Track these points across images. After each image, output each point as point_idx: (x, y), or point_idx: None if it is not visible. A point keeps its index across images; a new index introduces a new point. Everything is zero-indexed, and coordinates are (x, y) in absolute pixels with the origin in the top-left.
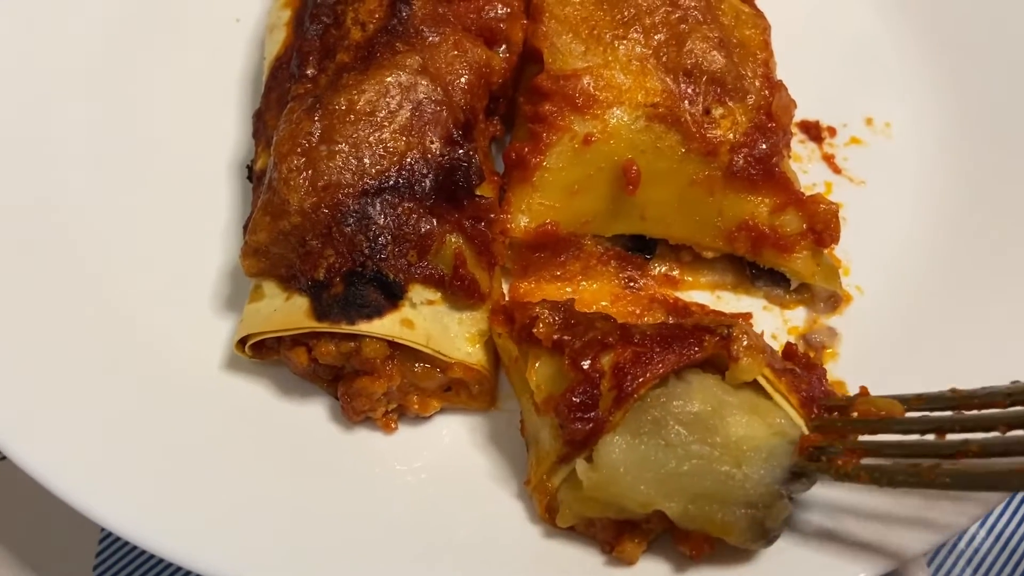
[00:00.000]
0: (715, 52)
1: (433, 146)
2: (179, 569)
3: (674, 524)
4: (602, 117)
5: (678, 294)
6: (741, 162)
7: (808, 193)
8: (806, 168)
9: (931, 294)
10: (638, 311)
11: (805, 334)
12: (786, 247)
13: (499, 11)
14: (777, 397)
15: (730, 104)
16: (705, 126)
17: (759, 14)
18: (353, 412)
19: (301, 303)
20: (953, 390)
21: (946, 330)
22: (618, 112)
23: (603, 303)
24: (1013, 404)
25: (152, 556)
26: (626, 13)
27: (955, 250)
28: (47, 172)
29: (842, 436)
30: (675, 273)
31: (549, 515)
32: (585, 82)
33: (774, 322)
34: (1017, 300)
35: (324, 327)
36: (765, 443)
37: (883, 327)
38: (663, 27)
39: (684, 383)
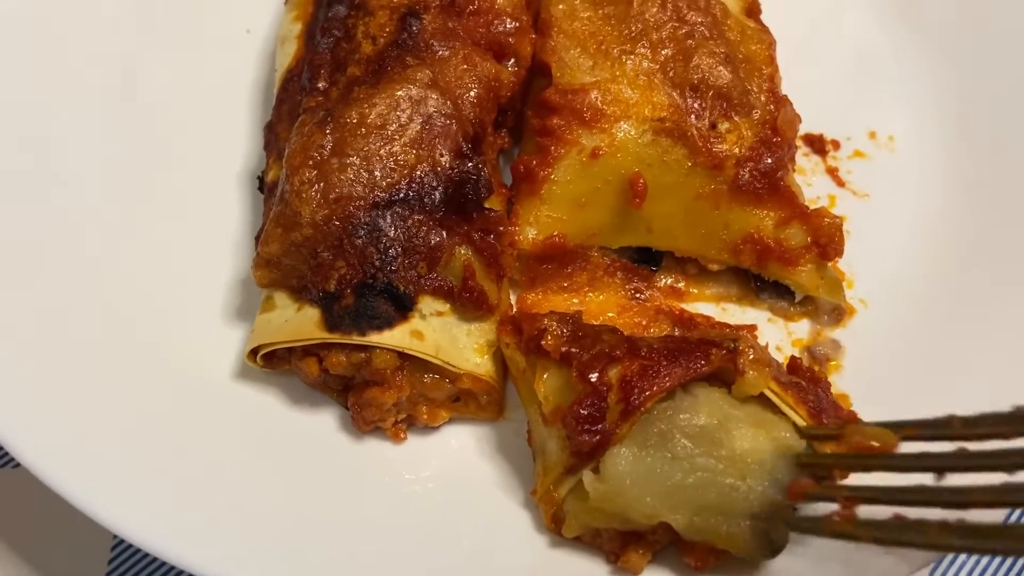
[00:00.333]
0: (721, 67)
1: (443, 159)
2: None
3: (679, 536)
4: (609, 131)
5: (684, 305)
6: (747, 176)
7: (812, 206)
8: (810, 181)
9: (934, 307)
10: (644, 322)
11: (809, 346)
12: (790, 260)
13: (508, 25)
14: (785, 409)
15: (736, 119)
16: (711, 140)
17: (764, 29)
18: (363, 422)
19: (312, 314)
20: (952, 417)
21: (949, 343)
22: (625, 126)
23: (609, 314)
24: (1018, 433)
25: (162, 563)
26: (633, 28)
27: (958, 263)
28: (60, 181)
29: (831, 474)
30: (681, 285)
31: (555, 525)
32: (593, 96)
33: (778, 334)
34: (1020, 312)
35: (335, 338)
36: (770, 456)
37: (886, 340)
38: (670, 42)
39: (690, 396)
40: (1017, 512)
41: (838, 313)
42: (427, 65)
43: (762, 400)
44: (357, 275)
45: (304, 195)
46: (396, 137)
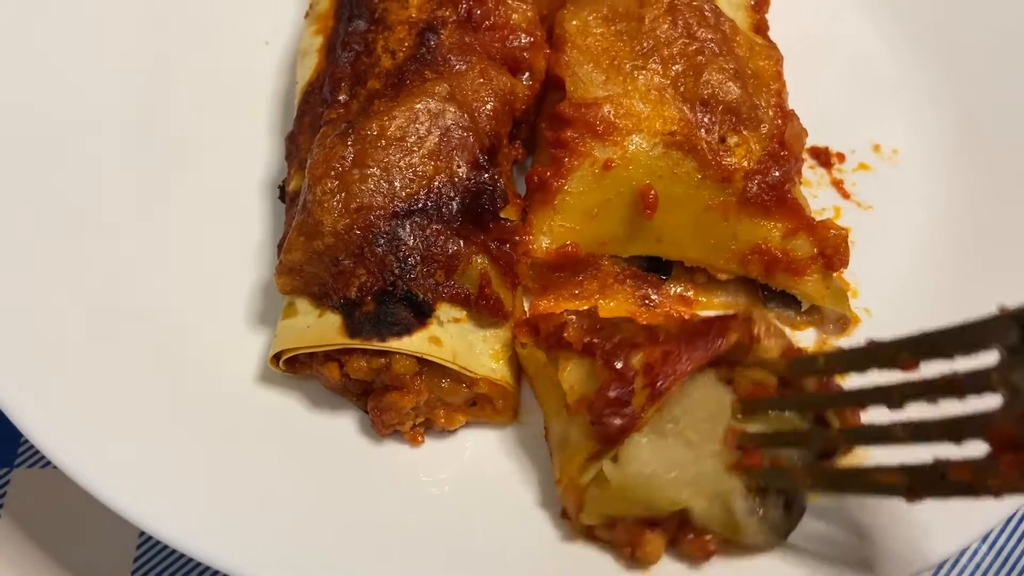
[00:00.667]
0: (731, 83)
1: (460, 170)
2: (215, 574)
3: (689, 526)
4: (622, 144)
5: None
6: (755, 188)
7: (818, 218)
8: (816, 193)
9: (937, 316)
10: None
11: None
12: (797, 270)
13: (523, 40)
14: None
15: (745, 133)
16: (720, 154)
17: (772, 46)
18: (382, 425)
19: (334, 320)
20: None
21: None
22: (637, 139)
23: None
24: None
25: (187, 560)
26: (645, 44)
27: (961, 273)
28: (84, 190)
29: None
30: (689, 294)
31: (574, 513)
32: (605, 110)
33: None
34: None
35: (357, 344)
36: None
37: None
38: (681, 58)
39: (699, 382)
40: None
41: (843, 322)
42: (445, 79)
43: None
44: (377, 283)
45: (326, 205)
46: (415, 149)
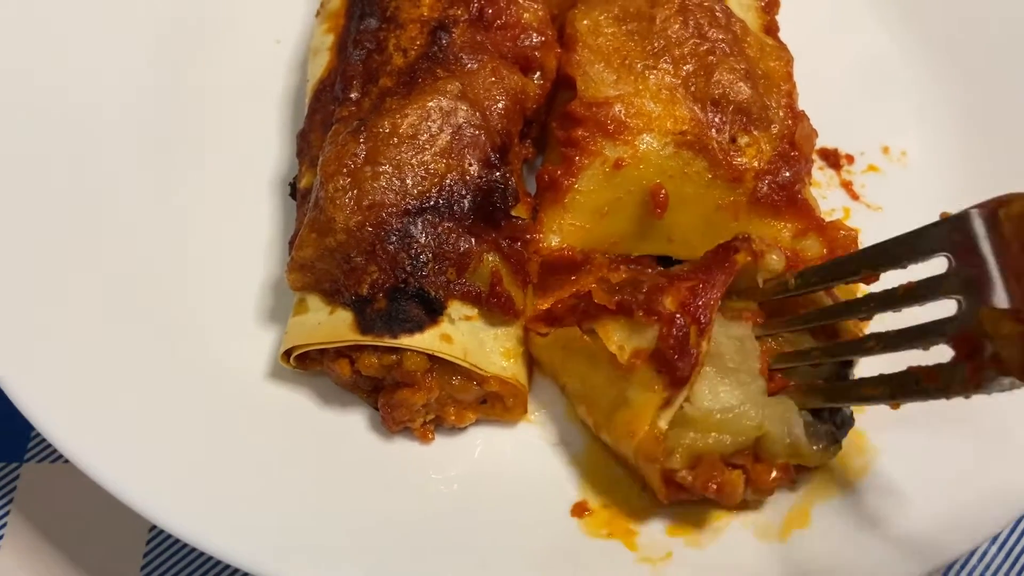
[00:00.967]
0: (741, 83)
1: (472, 168)
2: (224, 568)
3: (759, 459)
4: (632, 143)
5: None
6: (765, 189)
7: (828, 219)
8: (825, 194)
9: None
10: None
11: None
12: None
13: (534, 40)
14: None
15: (755, 133)
16: (731, 154)
17: (783, 47)
18: (393, 422)
19: (345, 317)
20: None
21: None
22: (648, 139)
23: None
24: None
25: (196, 553)
26: (656, 44)
27: None
28: (98, 187)
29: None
30: None
31: (662, 460)
32: (616, 109)
33: None
34: None
35: (368, 340)
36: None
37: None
38: (692, 58)
39: (715, 323)
40: None
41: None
42: (456, 77)
43: None
44: (389, 280)
45: (338, 202)
46: (427, 146)
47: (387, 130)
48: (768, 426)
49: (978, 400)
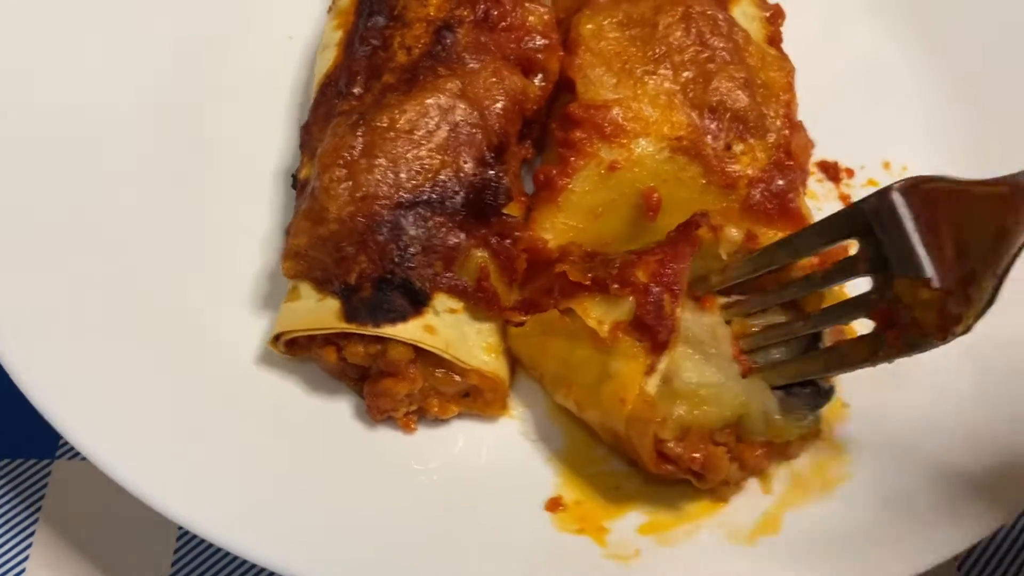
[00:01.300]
0: (739, 91)
1: (466, 165)
2: (257, 571)
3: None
4: (628, 146)
5: None
6: (758, 196)
7: None
8: (821, 206)
9: None
10: None
11: None
12: None
13: (538, 42)
14: None
15: (751, 141)
16: (726, 160)
17: (784, 58)
18: (376, 411)
19: (333, 305)
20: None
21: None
22: (644, 143)
23: None
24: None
25: (228, 554)
26: (657, 50)
27: None
28: (105, 169)
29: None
30: None
31: (656, 427)
32: (615, 113)
33: None
34: None
35: (351, 328)
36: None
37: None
38: (692, 65)
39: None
40: None
41: (840, 335)
42: (457, 76)
43: None
44: (377, 270)
45: (332, 192)
46: (423, 142)
47: (385, 124)
48: (748, 404)
49: (950, 412)
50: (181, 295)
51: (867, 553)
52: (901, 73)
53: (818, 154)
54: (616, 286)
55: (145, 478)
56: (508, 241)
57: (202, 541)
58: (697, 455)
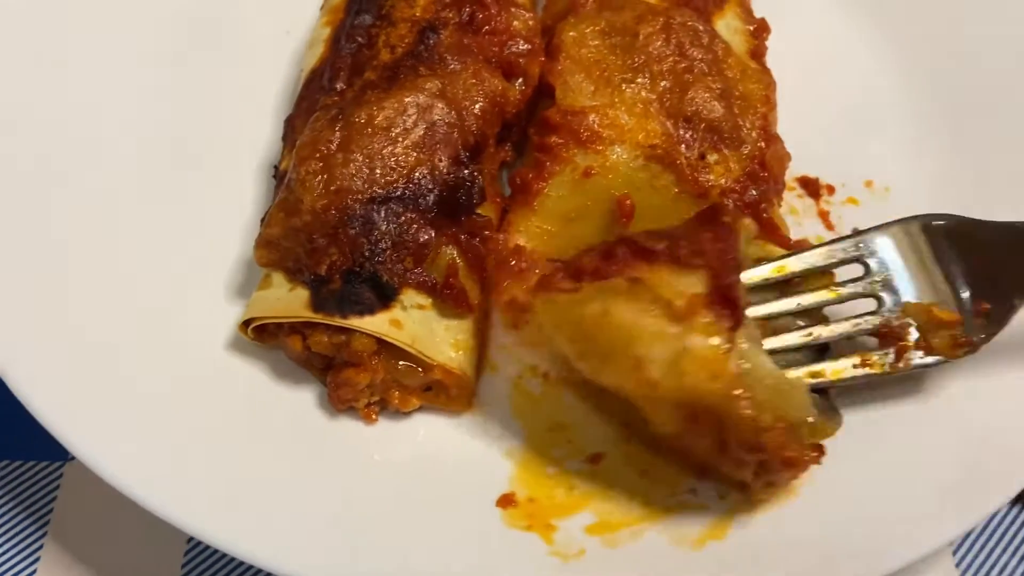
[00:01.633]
0: (715, 102)
1: (441, 164)
2: None
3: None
4: (604, 153)
5: None
6: (730, 206)
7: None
8: (801, 222)
9: None
10: None
11: None
12: None
13: (521, 47)
14: None
15: (725, 151)
16: (699, 170)
17: (766, 71)
18: (338, 400)
19: (302, 294)
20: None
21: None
22: (619, 150)
23: None
24: None
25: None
26: (637, 60)
27: None
28: (88, 155)
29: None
30: None
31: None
32: (591, 119)
33: None
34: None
35: (318, 318)
36: None
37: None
38: (670, 75)
39: None
40: None
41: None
42: (438, 76)
43: None
44: (347, 262)
45: (308, 184)
46: (399, 139)
47: (363, 120)
48: (806, 400)
49: (907, 430)
50: (158, 278)
51: (815, 559)
52: (888, 94)
53: (799, 170)
54: (688, 254)
55: (110, 459)
56: (477, 240)
57: (212, 553)
58: (792, 452)
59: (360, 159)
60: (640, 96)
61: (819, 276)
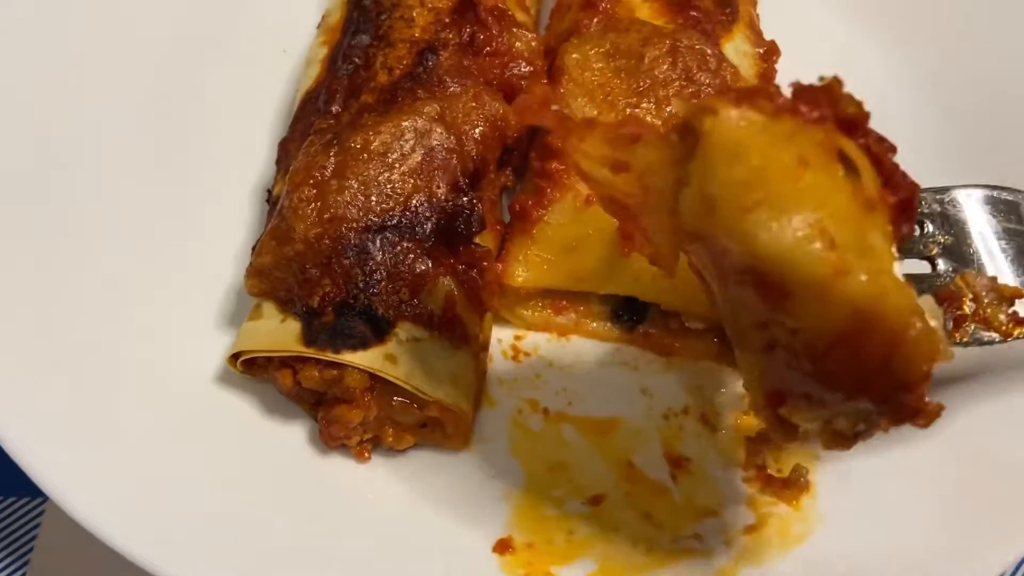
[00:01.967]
0: None
1: (439, 191)
2: None
3: None
4: None
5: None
6: None
7: None
8: None
9: None
10: None
11: None
12: None
13: (523, 69)
14: None
15: None
16: None
17: None
18: (329, 437)
19: (293, 327)
20: None
21: None
22: None
23: None
24: None
25: None
26: (642, 83)
27: None
28: (80, 174)
29: None
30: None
31: None
32: None
33: None
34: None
35: (310, 353)
36: None
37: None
38: (676, 100)
39: None
40: None
41: None
42: (437, 99)
43: None
44: (340, 294)
45: (300, 212)
46: (396, 165)
47: (358, 145)
48: None
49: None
50: (145, 306)
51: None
52: (901, 120)
53: None
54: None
55: (77, 492)
56: (475, 271)
57: None
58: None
59: (355, 186)
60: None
61: None
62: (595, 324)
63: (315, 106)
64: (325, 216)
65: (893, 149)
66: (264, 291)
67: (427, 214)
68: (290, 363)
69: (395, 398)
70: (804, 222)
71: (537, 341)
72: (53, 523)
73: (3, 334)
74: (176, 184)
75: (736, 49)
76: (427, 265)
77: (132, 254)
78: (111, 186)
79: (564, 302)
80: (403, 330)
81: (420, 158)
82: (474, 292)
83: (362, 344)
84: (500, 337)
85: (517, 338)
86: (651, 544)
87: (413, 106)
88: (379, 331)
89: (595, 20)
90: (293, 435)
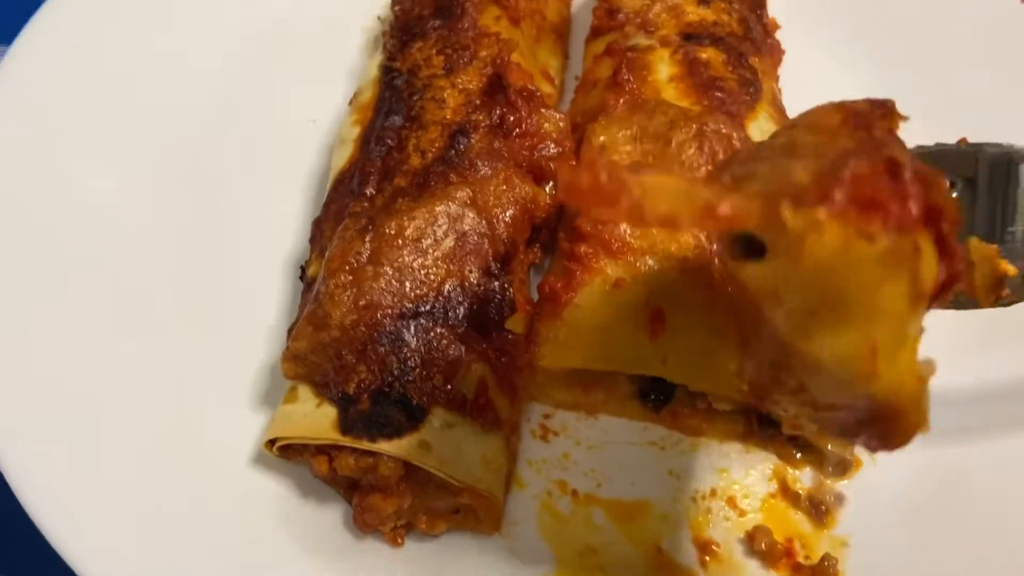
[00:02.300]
0: None
1: (471, 276)
2: None
3: None
4: (634, 264)
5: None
6: None
7: None
8: None
9: (941, 471)
10: None
11: (811, 494)
12: None
13: (551, 150)
14: None
15: None
16: (733, 283)
17: None
18: (364, 524)
19: (329, 413)
20: None
21: (954, 505)
22: (650, 261)
23: None
24: None
25: None
26: (670, 167)
27: (967, 424)
28: (112, 248)
29: None
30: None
31: None
32: (622, 229)
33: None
34: None
35: (347, 441)
36: None
37: (891, 497)
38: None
39: None
40: None
41: (843, 466)
42: (468, 183)
43: None
44: (376, 381)
45: (336, 298)
46: (430, 251)
47: (393, 231)
48: None
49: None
50: (179, 383)
51: None
52: None
53: None
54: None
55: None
56: (506, 358)
57: None
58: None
59: (390, 272)
60: None
61: None
62: (623, 403)
63: (349, 187)
64: (361, 303)
65: (958, 223)
66: (300, 375)
67: (460, 299)
68: (326, 449)
69: (428, 485)
70: (858, 338)
71: (565, 420)
72: None
73: (37, 417)
74: (208, 258)
75: (760, 129)
76: (460, 351)
77: (165, 331)
78: (143, 262)
79: (592, 380)
80: (437, 416)
81: (453, 243)
82: (506, 376)
83: (397, 432)
84: (528, 416)
85: (545, 416)
86: None
87: (445, 191)
88: (413, 418)
89: (621, 100)
90: (328, 518)
